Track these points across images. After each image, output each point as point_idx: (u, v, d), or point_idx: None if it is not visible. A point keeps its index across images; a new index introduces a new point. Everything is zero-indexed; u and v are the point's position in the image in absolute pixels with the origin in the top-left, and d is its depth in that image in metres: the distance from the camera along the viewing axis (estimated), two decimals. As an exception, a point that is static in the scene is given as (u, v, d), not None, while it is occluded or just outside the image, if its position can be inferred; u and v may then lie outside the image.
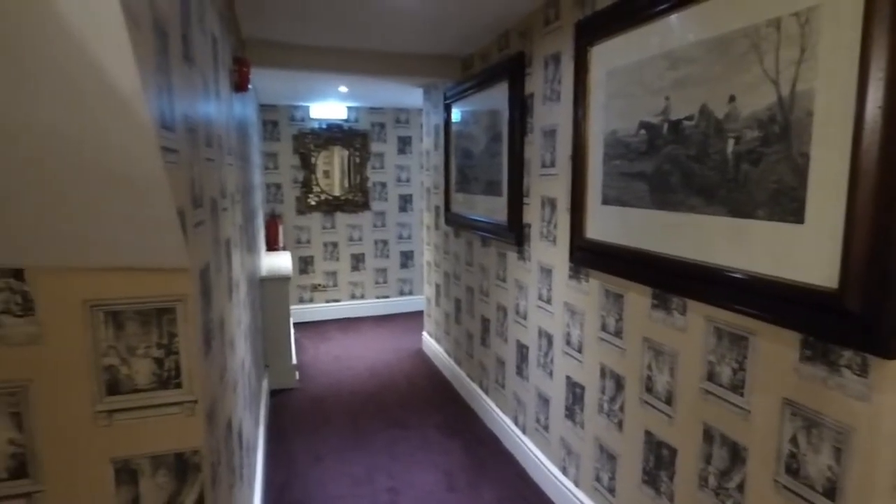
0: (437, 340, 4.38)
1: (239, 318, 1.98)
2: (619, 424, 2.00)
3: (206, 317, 1.23)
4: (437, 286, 4.32)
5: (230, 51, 2.21)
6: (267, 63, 3.18)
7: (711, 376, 1.55)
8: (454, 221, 3.74)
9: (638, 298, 1.87)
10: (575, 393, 2.31)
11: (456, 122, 3.69)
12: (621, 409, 1.99)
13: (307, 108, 5.44)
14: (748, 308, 1.40)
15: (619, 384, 1.99)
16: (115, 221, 0.90)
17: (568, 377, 2.36)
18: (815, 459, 1.26)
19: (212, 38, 1.58)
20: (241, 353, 2.01)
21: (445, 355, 4.14)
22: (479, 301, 3.41)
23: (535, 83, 2.56)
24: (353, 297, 5.80)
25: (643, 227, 1.80)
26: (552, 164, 2.41)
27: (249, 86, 2.44)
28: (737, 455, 1.48)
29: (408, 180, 5.84)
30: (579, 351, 2.26)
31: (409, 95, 4.79)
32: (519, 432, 2.87)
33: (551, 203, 2.44)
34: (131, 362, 1.04)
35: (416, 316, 5.62)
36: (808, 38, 1.21)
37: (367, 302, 5.84)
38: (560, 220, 2.36)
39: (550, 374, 2.52)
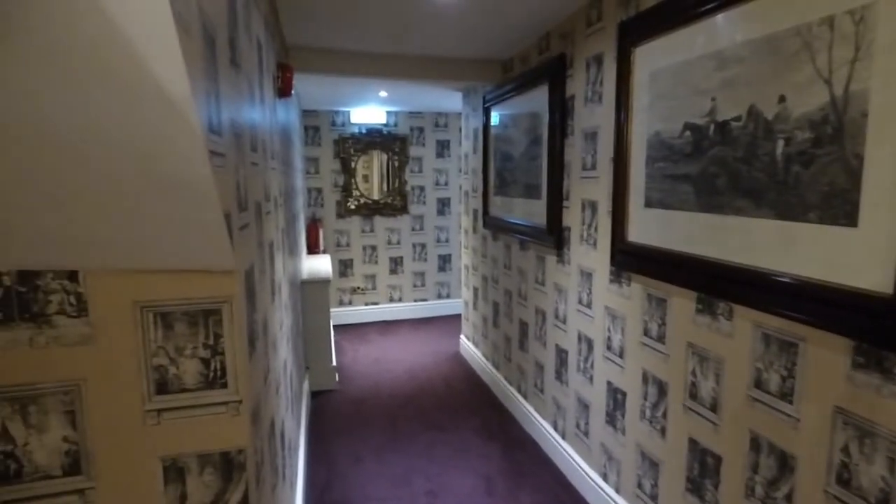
0: (475, 344, 4.37)
1: (281, 319, 2.03)
2: (662, 431, 1.96)
3: (251, 318, 1.26)
4: (475, 290, 4.32)
5: (274, 56, 2.27)
6: (309, 68, 3.25)
7: (759, 383, 1.50)
8: (492, 225, 3.73)
9: (682, 303, 1.82)
10: (616, 399, 2.27)
11: (495, 125, 3.69)
12: (664, 415, 1.94)
13: (348, 113, 5.54)
14: (797, 313, 1.35)
15: (662, 390, 1.95)
16: (165, 224, 0.94)
17: (609, 383, 2.32)
18: (868, 470, 1.21)
19: (257, 44, 1.63)
20: (283, 354, 2.05)
21: (483, 359, 4.13)
22: (517, 305, 3.39)
23: (576, 85, 2.53)
24: (391, 300, 5.86)
25: (688, 230, 1.75)
26: (593, 167, 2.38)
27: (293, 91, 2.50)
28: (785, 464, 1.43)
29: (446, 184, 5.87)
30: (620, 356, 2.22)
31: (447, 99, 4.81)
32: (558, 437, 2.84)
33: (592, 206, 2.40)
34: (179, 362, 1.07)
35: (454, 319, 5.62)
36: (863, 37, 1.16)
37: (405, 305, 5.88)
38: (601, 224, 2.33)
39: (591, 379, 2.48)
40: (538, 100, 2.90)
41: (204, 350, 1.09)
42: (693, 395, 1.78)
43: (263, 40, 1.85)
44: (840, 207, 1.24)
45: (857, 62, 1.17)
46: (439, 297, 5.99)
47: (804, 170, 1.33)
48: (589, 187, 2.43)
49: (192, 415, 1.10)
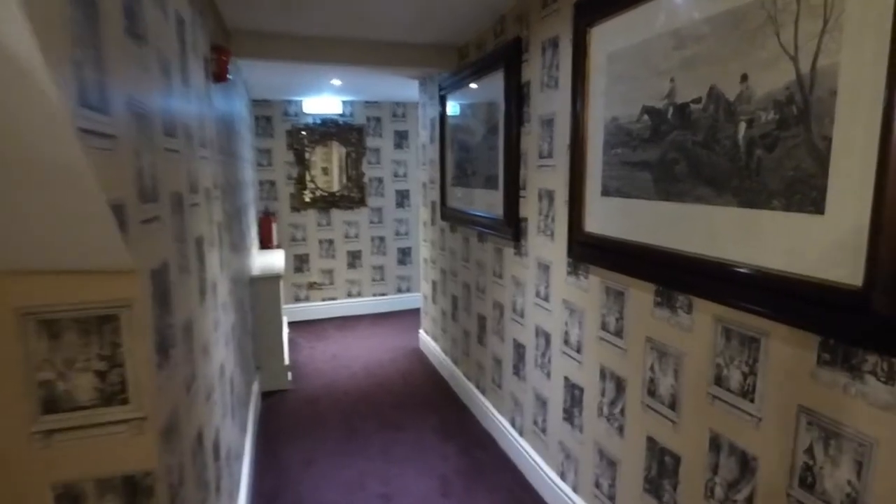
0: (434, 339, 4.27)
1: (217, 320, 1.87)
2: (620, 429, 1.89)
3: (163, 323, 1.11)
4: (434, 283, 4.21)
5: (207, 38, 2.09)
6: (254, 54, 3.06)
7: (720, 380, 1.44)
8: (451, 217, 3.62)
9: (640, 296, 1.75)
10: (574, 395, 2.19)
11: (452, 115, 3.57)
12: (622, 412, 1.87)
13: (300, 102, 5.32)
14: (760, 307, 1.28)
15: (620, 386, 1.88)
16: (38, 217, 0.78)
17: (566, 378, 2.25)
18: (833, 473, 1.15)
19: (176, 19, 1.46)
20: (220, 357, 1.90)
21: (442, 354, 4.02)
22: (475, 298, 3.29)
23: (532, 70, 2.43)
24: (349, 294, 5.69)
25: (646, 219, 1.68)
26: (550, 155, 2.29)
27: (230, 76, 2.32)
28: (746, 465, 1.36)
29: (405, 175, 5.72)
30: (578, 351, 2.14)
31: (404, 88, 4.66)
32: (516, 435, 2.76)
33: (549, 196, 2.31)
34: (69, 377, 0.92)
35: (414, 313, 5.50)
36: (833, 8, 1.09)
37: (364, 300, 5.73)
38: (558, 214, 2.24)
39: (548, 374, 2.40)
40: (494, 86, 2.79)
41: (99, 362, 0.94)
42: (652, 392, 1.71)
43: (188, 17, 1.68)
44: (806, 193, 1.17)
45: (825, 34, 1.10)
46: (399, 291, 5.86)
47: (768, 154, 1.26)
48: (546, 176, 2.34)
49: (88, 435, 0.96)
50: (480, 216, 3.06)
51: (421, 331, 4.66)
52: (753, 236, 1.30)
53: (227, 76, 2.27)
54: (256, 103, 5.21)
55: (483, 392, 3.22)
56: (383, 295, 5.80)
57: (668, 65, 1.57)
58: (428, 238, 4.36)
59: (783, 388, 1.25)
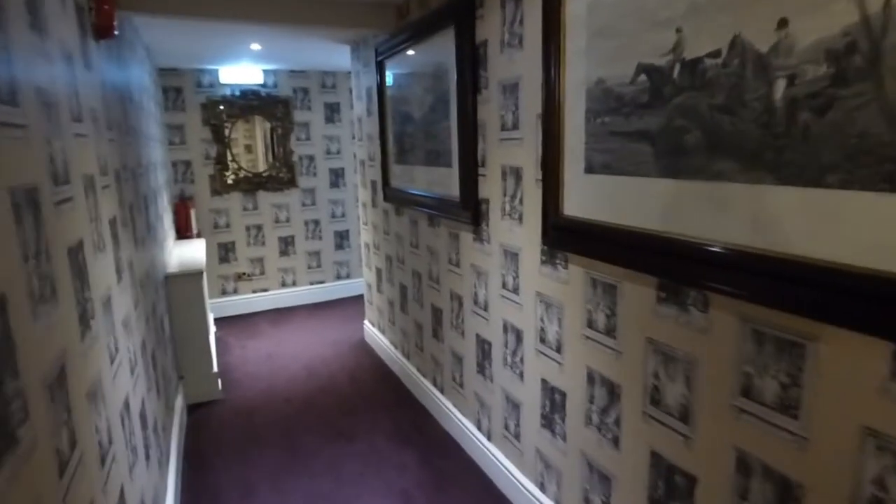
0: (381, 331, 3.93)
1: (113, 349, 1.45)
2: (615, 441, 1.65)
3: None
4: (378, 271, 3.85)
5: (79, -20, 1.61)
6: (151, 8, 2.54)
7: (748, 391, 1.20)
8: (395, 198, 3.26)
9: (638, 290, 1.49)
10: (554, 400, 1.94)
11: (392, 83, 3.18)
12: (617, 422, 1.63)
13: (216, 71, 4.73)
14: (806, 306, 1.04)
15: (614, 393, 1.63)
16: None
17: (544, 381, 1.99)
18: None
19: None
20: (119, 396, 1.48)
21: (391, 347, 3.70)
22: (428, 288, 2.98)
23: (489, 27, 2.10)
24: (283, 284, 5.23)
25: (645, 200, 1.41)
26: (515, 126, 1.98)
27: (117, 32, 1.84)
28: (789, 494, 1.14)
29: (338, 152, 5.27)
30: (558, 351, 1.88)
31: (334, 55, 4.20)
32: (483, 439, 2.50)
33: (515, 173, 2.01)
34: None
35: (356, 301, 5.13)
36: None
37: (299, 289, 5.28)
38: (528, 194, 1.95)
39: (521, 375, 2.14)
40: (442, 49, 2.44)
41: None
42: (656, 401, 1.47)
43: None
44: (875, 167, 0.92)
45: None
46: (338, 277, 5.45)
47: (818, 118, 1.00)
48: (511, 151, 2.03)
49: None
50: (431, 197, 2.73)
51: (366, 321, 4.30)
52: (799, 220, 1.05)
53: (114, 31, 1.80)
54: (163, 73, 4.58)
55: (441, 390, 2.94)
56: (321, 283, 5.38)
57: (671, 12, 1.28)
58: (368, 221, 3.98)
59: (841, 407, 1.03)
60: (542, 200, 1.82)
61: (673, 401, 1.41)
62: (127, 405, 1.53)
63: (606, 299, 1.62)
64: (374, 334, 4.06)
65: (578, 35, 1.59)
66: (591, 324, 1.70)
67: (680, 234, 1.31)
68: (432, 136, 2.67)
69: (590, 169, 1.60)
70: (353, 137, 5.16)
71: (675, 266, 1.33)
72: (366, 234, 4.10)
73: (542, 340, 1.96)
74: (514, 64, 1.95)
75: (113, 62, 2.10)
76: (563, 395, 1.88)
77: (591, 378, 1.73)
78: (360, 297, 4.85)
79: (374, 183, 3.73)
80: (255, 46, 3.85)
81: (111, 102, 1.92)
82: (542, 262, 1.91)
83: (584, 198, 1.63)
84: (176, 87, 4.65)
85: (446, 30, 2.36)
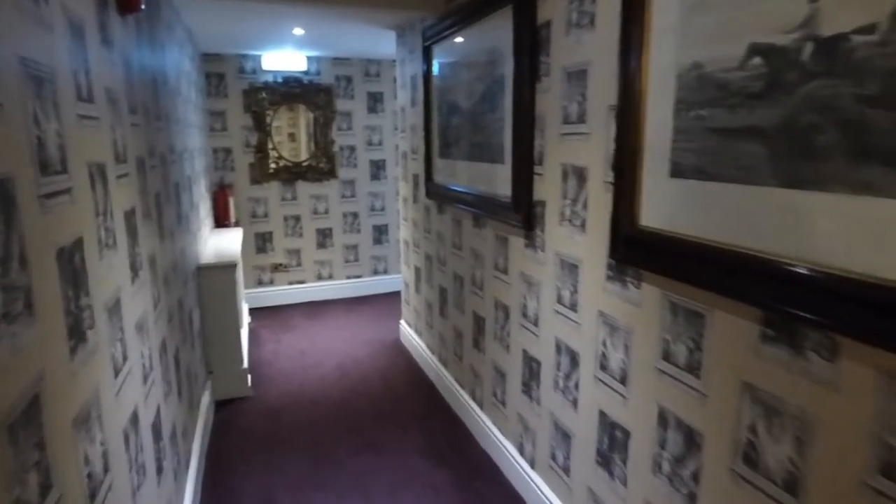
0: (418, 333, 3.73)
1: (124, 371, 1.28)
2: (691, 498, 1.39)
3: None
4: (417, 270, 3.65)
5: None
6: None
7: (890, 471, 0.93)
8: (438, 194, 3.04)
9: (734, 322, 1.23)
10: (613, 436, 1.69)
11: (439, 70, 2.95)
12: (695, 477, 1.37)
13: (259, 57, 4.60)
14: None
15: (693, 442, 1.37)
16: None
17: (603, 413, 1.74)
18: None
19: None
20: (132, 394, 1.32)
21: (428, 351, 3.50)
22: (470, 294, 2.75)
23: (553, 6, 1.85)
24: (319, 277, 5.10)
25: (753, 214, 1.14)
26: (581, 120, 1.73)
27: (143, 6, 1.67)
28: None
29: (380, 143, 5.08)
30: (622, 382, 1.63)
31: (379, 41, 4.00)
32: (525, 466, 2.26)
33: (579, 173, 1.76)
34: None
35: (393, 298, 4.95)
36: None
37: (335, 283, 5.14)
38: (594, 199, 1.70)
39: (574, 402, 1.90)
40: (497, 32, 2.19)
41: None
42: (751, 462, 1.20)
43: None
44: None
45: None
46: (375, 272, 5.28)
47: None
48: (574, 147, 1.78)
49: None
50: (477, 195, 2.50)
51: (402, 321, 4.11)
52: None
53: (140, 5, 1.63)
54: (207, 58, 4.48)
55: (480, 405, 2.72)
56: (357, 277, 5.22)
57: (802, -23, 1.01)
58: (409, 217, 3.78)
59: None
60: (612, 207, 1.56)
61: (777, 465, 1.14)
62: (135, 419, 1.36)
63: (690, 329, 1.36)
64: (409, 336, 3.87)
65: (669, 9, 1.33)
66: (667, 356, 1.44)
67: (801, 261, 1.04)
68: (482, 128, 2.43)
69: (678, 172, 1.33)
70: (396, 128, 4.97)
71: (790, 298, 1.07)
72: (405, 231, 3.90)
73: (603, 367, 1.71)
74: (583, 47, 1.70)
75: (144, 42, 1.94)
76: (626, 433, 1.63)
77: (663, 419, 1.47)
78: (397, 293, 4.68)
79: (415, 177, 3.52)
80: (298, 31, 3.68)
81: (138, 84, 1.76)
82: (609, 278, 1.65)
83: (668, 206, 1.37)
84: (219, 72, 4.54)
85: (503, 10, 2.12)
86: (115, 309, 1.25)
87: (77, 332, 0.98)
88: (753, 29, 1.11)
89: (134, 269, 1.47)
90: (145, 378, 1.50)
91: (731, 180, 1.19)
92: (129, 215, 1.47)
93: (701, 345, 1.33)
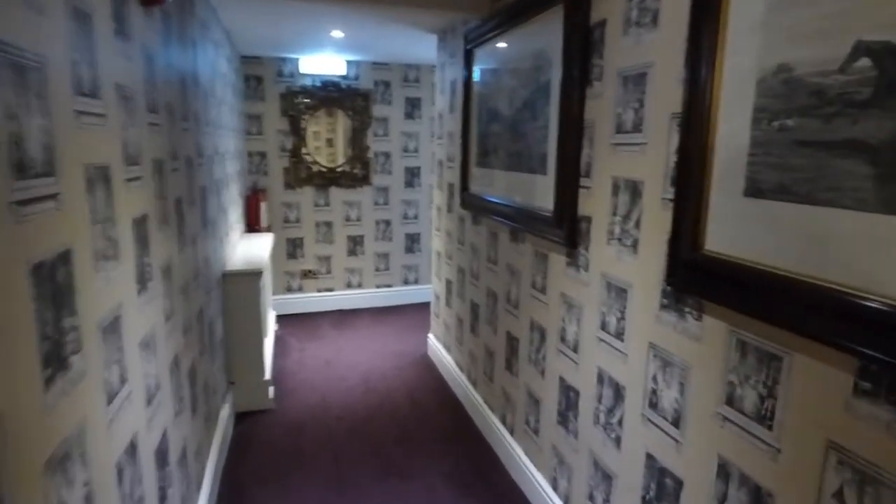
0: (447, 348, 3.57)
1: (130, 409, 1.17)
2: (758, 569, 1.19)
3: None
4: (448, 283, 3.50)
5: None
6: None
7: None
8: (473, 205, 2.89)
9: (819, 370, 1.03)
10: (663, 484, 1.50)
11: (480, 75, 2.81)
12: (764, 546, 1.17)
13: (297, 61, 4.55)
14: None
15: (758, 500, 1.17)
16: None
17: (650, 457, 1.55)
18: None
19: None
20: (134, 417, 1.20)
21: (457, 369, 3.34)
22: (504, 312, 2.58)
23: (610, 4, 1.68)
24: (349, 285, 5.00)
25: (853, 244, 0.95)
26: (637, 129, 1.55)
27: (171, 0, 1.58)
28: None
29: (416, 150, 4.97)
30: (675, 424, 1.43)
31: (419, 45, 3.89)
32: (559, 502, 2.08)
33: (632, 188, 1.58)
34: None
35: (422, 309, 4.81)
36: None
37: (365, 292, 5.03)
38: (648, 217, 1.52)
39: (617, 441, 1.71)
40: (546, 33, 2.04)
41: None
42: (839, 538, 1.01)
43: None
44: None
45: None
46: (406, 282, 5.16)
47: None
48: (627, 159, 1.60)
49: None
50: (516, 208, 2.33)
51: (430, 335, 3.96)
52: None
53: (164, -2, 1.53)
54: (246, 61, 4.45)
55: (511, 432, 2.54)
56: (388, 287, 5.10)
57: (929, -40, 0.82)
58: (442, 227, 3.63)
59: None
60: (671, 227, 1.38)
61: (874, 547, 0.94)
62: (132, 449, 1.24)
63: (762, 373, 1.16)
64: (438, 351, 3.71)
65: (751, 4, 1.15)
66: (731, 401, 1.25)
67: (918, 304, 0.85)
68: (523, 136, 2.27)
69: (754, 191, 1.15)
70: (433, 135, 4.85)
71: (895, 347, 0.87)
72: (438, 241, 3.76)
73: (653, 406, 1.52)
74: (643, 48, 1.52)
75: (172, 38, 1.86)
76: (679, 482, 1.43)
77: (725, 472, 1.27)
78: (427, 304, 4.53)
79: (451, 186, 3.37)
80: (337, 34, 3.60)
81: (161, 82, 1.67)
82: (663, 307, 1.47)
83: (741, 230, 1.18)
84: (257, 75, 4.51)
85: (553, 9, 1.96)
86: (112, 327, 1.13)
87: (56, 360, 0.86)
88: (862, 24, 0.93)
89: (142, 281, 1.36)
90: (150, 400, 1.39)
91: (824, 203, 1.00)
92: (140, 222, 1.37)
93: (775, 392, 1.13)
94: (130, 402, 1.23)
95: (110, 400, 1.10)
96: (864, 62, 0.92)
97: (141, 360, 1.33)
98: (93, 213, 1.04)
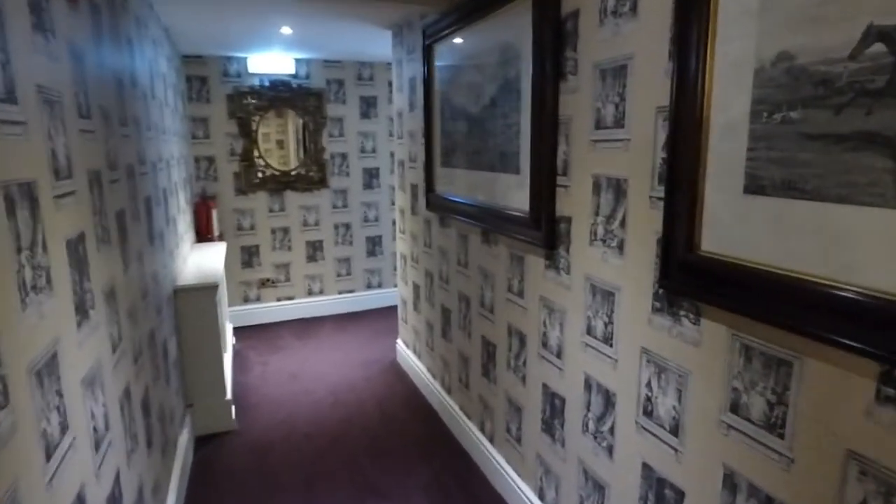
0: (417, 354, 3.46)
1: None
2: (772, 584, 1.13)
3: None
4: (416, 287, 3.38)
5: None
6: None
7: None
8: (440, 206, 2.78)
9: (835, 375, 0.98)
10: (663, 497, 1.43)
11: (441, 71, 2.70)
12: (777, 560, 1.11)
13: (244, 60, 4.33)
14: None
15: (773, 515, 1.12)
16: None
17: (647, 467, 1.48)
18: None
19: None
20: None
21: (429, 375, 3.23)
22: (478, 317, 2.49)
23: (581, -7, 1.60)
24: (310, 292, 4.81)
25: (868, 243, 0.89)
26: (618, 124, 1.48)
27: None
28: None
29: (373, 151, 4.82)
30: (673, 433, 1.37)
31: (373, 42, 3.75)
32: (547, 514, 2.00)
33: (615, 186, 1.51)
34: None
35: (388, 313, 4.68)
36: None
37: (327, 298, 4.85)
38: (635, 216, 1.44)
39: (608, 450, 1.64)
40: (513, 25, 1.95)
41: None
42: (864, 552, 0.95)
43: None
44: None
45: None
46: (369, 286, 5.00)
47: None
48: (609, 156, 1.53)
49: None
50: (487, 209, 2.24)
51: (399, 341, 3.84)
52: None
53: (94, -11, 1.36)
54: (187, 60, 4.19)
55: (491, 440, 2.45)
56: (350, 292, 4.94)
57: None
58: (407, 230, 3.51)
59: None
60: (662, 227, 1.31)
61: (905, 562, 0.89)
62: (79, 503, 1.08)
63: (769, 379, 1.10)
64: (408, 357, 3.59)
65: (742, -10, 1.08)
66: (736, 408, 1.18)
67: (950, 306, 0.79)
68: (492, 134, 2.18)
69: (755, 188, 1.08)
70: (391, 135, 4.72)
71: (928, 354, 0.82)
72: (402, 244, 3.64)
73: (648, 413, 1.46)
74: (621, 39, 1.45)
75: (104, 36, 1.67)
76: (679, 493, 1.37)
77: (731, 484, 1.21)
78: (393, 308, 4.41)
79: (414, 187, 3.25)
80: (286, 30, 3.42)
81: (94, 83, 1.49)
82: (655, 310, 1.40)
83: (742, 229, 1.12)
84: (200, 76, 4.26)
85: (519, 0, 1.87)
86: (48, 368, 0.97)
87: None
88: (874, 7, 0.86)
89: (81, 310, 1.19)
90: (97, 444, 1.22)
91: (836, 200, 0.93)
92: (76, 243, 1.20)
93: (786, 399, 1.08)
94: (75, 450, 1.07)
95: (49, 455, 0.94)
96: (878, 48, 0.86)
97: (84, 400, 1.16)
98: (15, 240, 0.88)
